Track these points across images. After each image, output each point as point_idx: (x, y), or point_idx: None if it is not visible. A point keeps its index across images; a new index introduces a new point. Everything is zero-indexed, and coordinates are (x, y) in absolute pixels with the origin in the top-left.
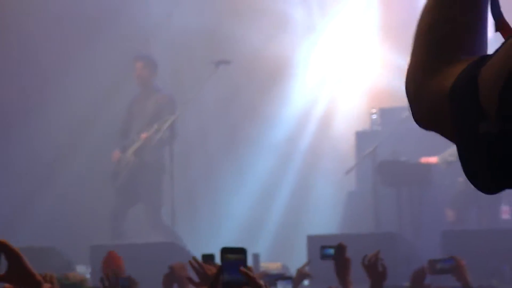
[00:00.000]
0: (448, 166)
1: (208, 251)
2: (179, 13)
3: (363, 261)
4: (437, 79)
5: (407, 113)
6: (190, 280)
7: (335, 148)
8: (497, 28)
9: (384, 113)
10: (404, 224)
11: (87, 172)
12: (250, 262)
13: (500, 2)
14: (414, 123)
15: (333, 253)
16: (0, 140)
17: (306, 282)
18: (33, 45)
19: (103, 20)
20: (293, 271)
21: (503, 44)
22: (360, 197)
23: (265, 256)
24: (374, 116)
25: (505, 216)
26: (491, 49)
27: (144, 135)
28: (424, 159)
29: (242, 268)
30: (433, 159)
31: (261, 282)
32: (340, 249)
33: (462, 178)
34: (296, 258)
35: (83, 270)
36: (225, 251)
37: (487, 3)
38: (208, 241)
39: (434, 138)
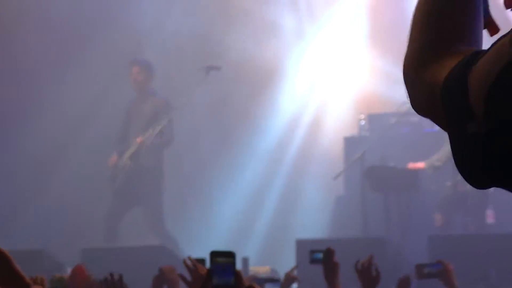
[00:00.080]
0: (435, 171)
1: (197, 254)
2: (171, 18)
3: (356, 265)
4: (432, 70)
5: (395, 119)
6: (183, 278)
7: (323, 153)
8: (485, 26)
9: (372, 119)
10: (392, 229)
11: (81, 175)
12: (239, 265)
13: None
14: (402, 129)
15: (322, 257)
16: None
17: (294, 286)
18: (28, 47)
19: (97, 23)
20: (282, 275)
21: (494, 44)
22: (348, 201)
23: (254, 260)
24: (362, 122)
25: (490, 220)
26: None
27: (139, 140)
28: (412, 165)
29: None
30: (420, 165)
31: (252, 284)
32: (328, 253)
33: (449, 182)
34: (285, 262)
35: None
36: (214, 254)
37: None
38: (197, 244)
39: (421, 144)
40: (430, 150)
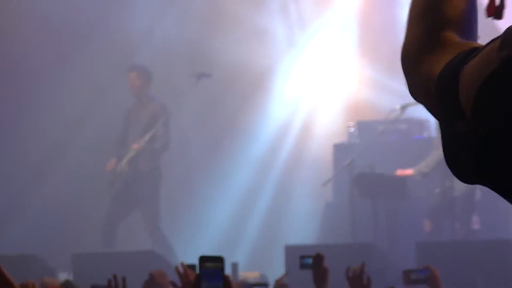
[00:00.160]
0: (423, 177)
1: (187, 259)
2: (162, 25)
3: (347, 273)
4: (429, 62)
5: (384, 127)
6: (174, 284)
7: (313, 160)
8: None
9: (361, 126)
10: (380, 235)
11: (73, 180)
12: (228, 271)
13: None
14: (390, 136)
15: (312, 263)
16: None
17: None
18: (26, 49)
19: (91, 28)
20: (271, 280)
21: (485, 46)
22: (337, 208)
23: (244, 265)
24: (352, 129)
25: (475, 226)
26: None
27: (135, 146)
28: (400, 172)
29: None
30: (408, 171)
31: None
32: (318, 259)
33: (438, 190)
34: (274, 268)
35: (64, 278)
36: (203, 259)
37: None
38: (187, 249)
39: (409, 151)
40: (418, 157)
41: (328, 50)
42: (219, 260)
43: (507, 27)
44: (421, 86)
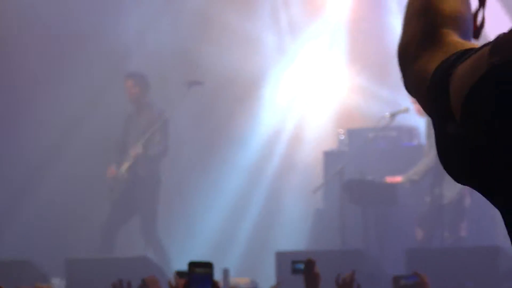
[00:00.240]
0: (412, 184)
1: (178, 264)
2: (153, 33)
3: (336, 280)
4: (424, 60)
5: (373, 134)
6: None
7: (304, 167)
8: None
9: (351, 133)
10: (370, 241)
11: (67, 186)
12: (220, 277)
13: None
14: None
15: (303, 268)
16: None
17: None
18: (22, 55)
19: (84, 37)
20: (262, 286)
21: (476, 50)
22: (328, 214)
23: (235, 271)
24: (342, 137)
25: (462, 233)
26: None
27: (133, 153)
28: (389, 179)
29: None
30: (398, 179)
31: None
32: (309, 264)
33: (429, 198)
34: (265, 274)
35: (58, 283)
36: (193, 265)
37: None
38: (179, 255)
39: (399, 158)
40: (408, 164)
41: (318, 58)
42: (208, 265)
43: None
44: (416, 81)
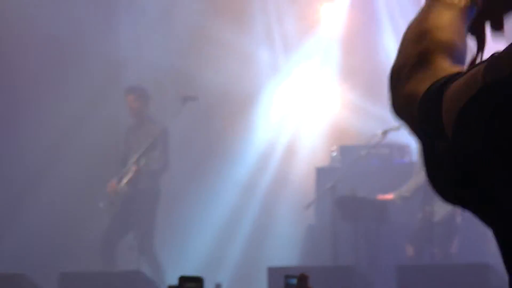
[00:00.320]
0: (403, 201)
1: (170, 279)
2: (148, 49)
3: None
4: (415, 81)
5: (366, 151)
6: None
7: (296, 183)
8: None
9: (344, 150)
10: (361, 258)
11: (62, 199)
12: None
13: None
14: (372, 160)
15: (296, 283)
16: None
17: None
18: (21, 66)
19: (81, 51)
20: None
21: (470, 69)
22: (319, 230)
23: (227, 286)
24: (334, 153)
25: (453, 250)
26: None
27: (134, 167)
28: (381, 196)
29: None
30: (389, 196)
31: None
32: (302, 279)
33: (420, 215)
34: None
35: None
36: (183, 279)
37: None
38: (170, 270)
39: (390, 175)
40: (400, 181)
41: (311, 75)
42: (198, 280)
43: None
44: (405, 102)
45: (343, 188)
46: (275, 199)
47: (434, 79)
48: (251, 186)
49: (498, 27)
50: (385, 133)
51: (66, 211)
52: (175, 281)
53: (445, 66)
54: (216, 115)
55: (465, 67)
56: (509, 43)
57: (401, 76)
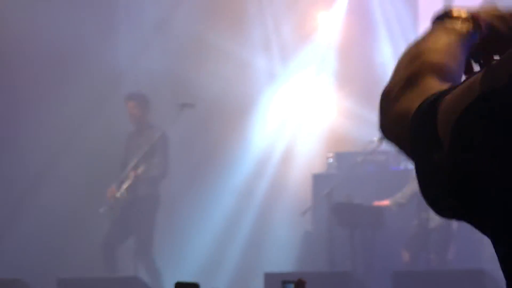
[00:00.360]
0: (399, 207)
1: (168, 286)
2: (145, 57)
3: None
4: (407, 98)
5: (362, 158)
6: None
7: (293, 190)
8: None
9: (340, 157)
10: (357, 264)
11: (59, 205)
12: None
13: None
14: (368, 167)
15: None
16: None
17: None
18: (23, 74)
19: (79, 59)
20: None
21: (466, 79)
22: (316, 236)
23: None
24: (330, 160)
25: (450, 256)
26: None
27: (133, 173)
28: (377, 202)
29: None
30: (385, 202)
31: None
32: (299, 284)
33: (416, 221)
34: None
35: None
36: (179, 285)
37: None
38: (167, 276)
39: (386, 181)
40: (395, 188)
41: (308, 83)
42: (194, 286)
43: None
44: (396, 120)
45: (340, 194)
46: (272, 205)
47: (424, 97)
48: (248, 192)
49: (484, 63)
50: (381, 140)
51: (65, 217)
52: (170, 286)
53: (434, 85)
54: (214, 121)
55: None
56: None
57: (390, 97)
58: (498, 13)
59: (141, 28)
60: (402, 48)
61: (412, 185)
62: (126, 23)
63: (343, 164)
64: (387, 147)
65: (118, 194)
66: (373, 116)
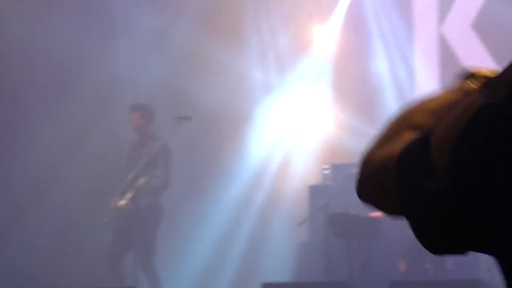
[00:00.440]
0: (394, 218)
1: None
2: (143, 69)
3: None
4: (388, 147)
5: (357, 169)
6: None
7: (289, 201)
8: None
9: (336, 168)
10: (354, 273)
11: (59, 217)
12: None
13: None
14: None
15: None
16: None
17: None
18: (25, 83)
19: (80, 70)
20: None
21: (458, 103)
22: (313, 247)
23: None
24: (326, 171)
25: (448, 266)
26: None
27: (135, 184)
28: (373, 213)
29: None
30: (380, 213)
31: None
32: None
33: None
34: None
35: None
36: None
37: None
38: (166, 285)
39: None
40: None
41: (304, 95)
42: None
43: None
44: (377, 170)
45: (336, 205)
46: (269, 216)
47: (405, 142)
48: (245, 204)
49: None
50: None
51: (66, 225)
52: None
53: (414, 135)
54: (212, 133)
55: None
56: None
57: (369, 153)
58: None
59: (140, 43)
60: (397, 60)
61: None
62: (125, 35)
63: (339, 176)
64: None
65: (121, 204)
66: (369, 128)
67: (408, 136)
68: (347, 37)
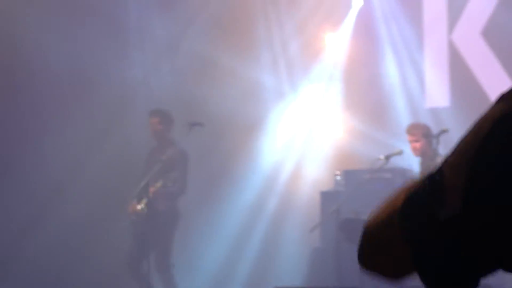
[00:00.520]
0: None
1: None
2: (156, 77)
3: None
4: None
5: (369, 175)
6: None
7: (301, 207)
8: None
9: (347, 174)
10: (365, 279)
11: (70, 227)
12: None
13: None
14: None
15: None
16: None
17: None
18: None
19: (93, 78)
20: None
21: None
22: (324, 252)
23: None
24: (338, 178)
25: None
26: None
27: (152, 188)
28: None
29: None
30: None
31: None
32: None
33: None
34: None
35: None
36: None
37: None
38: None
39: None
40: None
41: (315, 102)
42: None
43: None
44: (378, 233)
45: (347, 211)
46: (281, 221)
47: (409, 189)
48: (257, 209)
49: None
50: (387, 157)
51: (83, 231)
52: None
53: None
54: (224, 140)
55: None
56: None
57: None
58: None
59: (155, 49)
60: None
61: None
62: (140, 44)
63: (351, 182)
64: (393, 165)
65: (138, 209)
66: (380, 135)
67: (409, 188)
68: (357, 44)
